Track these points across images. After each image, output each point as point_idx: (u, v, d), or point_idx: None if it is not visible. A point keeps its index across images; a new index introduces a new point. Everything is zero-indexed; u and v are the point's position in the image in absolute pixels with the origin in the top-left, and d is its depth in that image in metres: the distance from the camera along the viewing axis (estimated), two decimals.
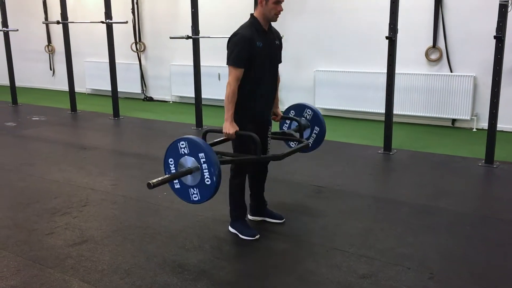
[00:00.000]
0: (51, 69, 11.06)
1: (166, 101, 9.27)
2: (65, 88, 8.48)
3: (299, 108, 3.78)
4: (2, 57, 8.98)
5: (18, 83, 9.27)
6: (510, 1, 4.47)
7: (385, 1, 5.16)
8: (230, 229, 3.35)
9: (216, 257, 3.04)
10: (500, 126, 5.36)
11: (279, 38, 3.32)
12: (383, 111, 5.43)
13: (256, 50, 3.06)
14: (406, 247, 3.11)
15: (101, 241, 3.25)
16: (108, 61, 7.49)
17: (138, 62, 9.42)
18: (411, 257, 2.97)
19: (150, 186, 2.69)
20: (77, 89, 8.44)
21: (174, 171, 2.87)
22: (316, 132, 3.74)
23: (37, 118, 7.70)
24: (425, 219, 3.55)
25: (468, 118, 6.38)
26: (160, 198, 4.00)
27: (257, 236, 3.25)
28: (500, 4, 4.50)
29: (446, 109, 6.49)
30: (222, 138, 3.26)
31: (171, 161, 2.88)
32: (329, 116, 7.48)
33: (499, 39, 4.56)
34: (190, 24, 6.44)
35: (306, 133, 3.75)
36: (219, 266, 2.92)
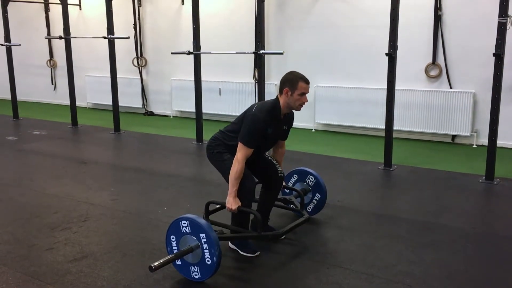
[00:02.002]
0: (52, 84, 11.12)
1: (167, 116, 9.30)
2: (66, 102, 8.52)
3: (302, 173, 3.91)
4: (4, 71, 9.04)
5: (19, 97, 9.31)
6: (509, 19, 4.52)
7: (385, 18, 5.21)
8: (230, 245, 3.34)
9: (216, 274, 3.02)
10: (500, 142, 5.38)
11: (289, 122, 3.42)
12: (383, 126, 5.45)
13: (264, 134, 3.17)
14: (407, 264, 3.09)
15: (101, 257, 3.23)
16: (109, 75, 7.54)
17: (139, 77, 9.47)
18: (412, 274, 2.96)
19: (152, 269, 2.70)
20: (78, 103, 8.48)
21: (176, 248, 2.91)
22: (317, 199, 3.86)
23: (38, 132, 7.71)
24: (426, 236, 3.54)
25: (468, 134, 6.39)
26: (160, 213, 3.99)
27: (257, 253, 3.24)
28: (499, 22, 4.55)
29: (446, 125, 6.51)
30: (222, 206, 3.32)
31: (173, 237, 2.93)
32: (329, 132, 7.51)
33: (498, 56, 4.59)
34: (192, 40, 6.49)
35: (307, 197, 3.86)
36: (219, 283, 2.90)
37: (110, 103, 7.69)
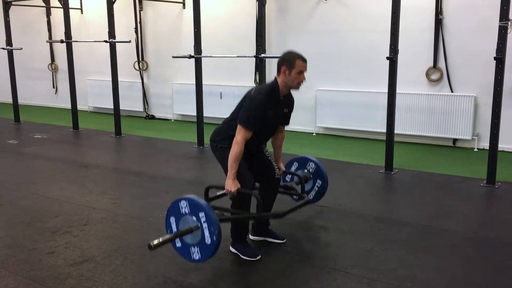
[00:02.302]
0: (54, 87, 11.14)
1: (168, 119, 9.31)
2: (68, 106, 8.53)
3: (302, 161, 3.89)
4: (5, 75, 9.05)
5: (21, 101, 9.34)
6: (510, 23, 4.52)
7: (386, 22, 5.22)
8: (231, 249, 3.33)
9: (216, 277, 3.02)
10: (502, 146, 5.38)
11: (290, 105, 3.40)
12: (384, 130, 5.45)
13: (266, 117, 3.15)
14: (408, 269, 3.09)
15: (102, 261, 3.23)
16: (110, 79, 7.55)
17: (140, 81, 9.48)
18: (413, 279, 2.95)
19: (151, 248, 2.71)
20: (80, 107, 8.49)
21: (175, 229, 2.91)
22: (318, 186, 3.85)
23: (39, 136, 7.72)
24: (427, 240, 3.54)
25: (469, 138, 6.39)
26: (161, 217, 3.98)
27: (258, 257, 3.23)
28: (500, 26, 4.55)
29: (447, 129, 6.51)
30: (223, 192, 3.30)
31: (172, 219, 2.93)
32: (330, 135, 7.51)
33: (499, 60, 4.59)
34: (193, 44, 6.51)
35: (309, 185, 3.84)
36: (219, 287, 2.90)
37: (111, 106, 7.70)
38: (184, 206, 2.85)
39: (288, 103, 3.38)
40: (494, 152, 4.81)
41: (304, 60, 3.17)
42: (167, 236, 2.82)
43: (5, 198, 4.61)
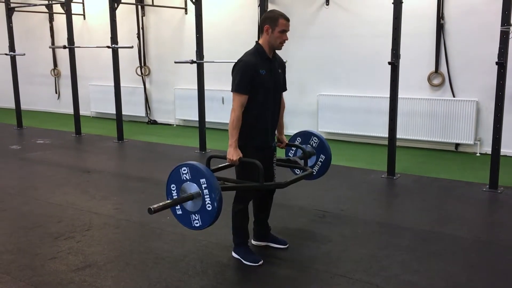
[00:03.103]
0: (56, 93, 11.17)
1: (170, 125, 9.32)
2: (70, 111, 8.56)
3: (306, 135, 3.81)
4: (8, 81, 9.08)
5: (23, 106, 9.36)
6: (511, 28, 4.52)
7: (388, 28, 5.23)
8: (233, 254, 3.33)
9: (219, 283, 3.02)
10: (504, 151, 5.36)
11: (282, 66, 3.35)
12: (386, 135, 5.44)
13: (259, 77, 3.09)
14: (411, 274, 3.08)
15: (104, 266, 3.23)
16: (113, 84, 7.57)
17: (142, 86, 9.50)
18: (416, 284, 2.94)
19: (151, 211, 2.69)
20: (82, 112, 8.51)
21: (176, 197, 2.88)
22: (322, 160, 3.77)
23: (41, 141, 7.74)
24: (430, 245, 3.53)
25: (472, 142, 6.38)
26: (163, 222, 3.99)
27: (261, 262, 3.23)
28: (501, 31, 4.55)
29: (449, 133, 6.50)
30: (225, 164, 3.27)
31: (173, 187, 2.90)
32: (333, 140, 7.50)
33: (501, 65, 4.60)
34: (195, 49, 6.52)
35: (312, 160, 3.77)
36: None
37: (114, 112, 7.72)
38: (185, 173, 2.83)
39: (279, 64, 3.32)
40: (496, 157, 4.80)
41: (287, 19, 3.13)
42: (168, 201, 2.80)
43: (7, 204, 4.62)
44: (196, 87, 6.74)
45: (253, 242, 3.52)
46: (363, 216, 4.18)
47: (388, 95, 5.27)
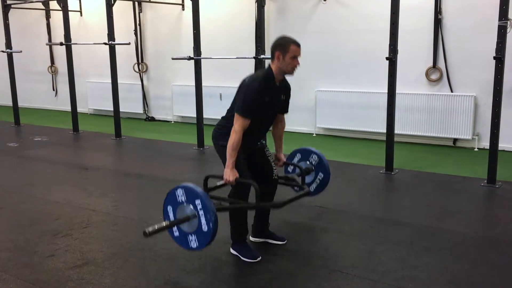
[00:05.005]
0: (53, 90, 11.14)
1: (168, 121, 9.31)
2: (68, 108, 8.53)
3: (305, 152, 3.86)
4: (5, 78, 9.06)
5: (21, 104, 9.34)
6: (509, 22, 4.51)
7: (385, 23, 5.22)
8: (232, 251, 3.33)
9: (217, 280, 3.02)
10: (502, 145, 5.37)
11: (287, 91, 3.39)
12: (384, 130, 5.44)
13: (262, 103, 3.14)
14: (409, 270, 3.08)
15: (102, 264, 3.23)
16: (110, 81, 7.55)
17: (140, 83, 9.48)
18: (414, 280, 2.94)
19: (146, 235, 2.71)
20: (79, 109, 8.49)
21: (173, 218, 2.91)
22: (320, 179, 3.81)
23: (39, 139, 7.72)
24: (428, 241, 3.53)
25: (469, 137, 6.38)
26: (161, 219, 3.97)
27: (259, 258, 3.23)
28: (499, 25, 4.55)
29: (447, 128, 6.50)
30: (222, 183, 3.29)
31: (169, 208, 2.93)
32: (330, 136, 7.50)
33: (499, 59, 4.59)
34: (192, 45, 6.50)
35: (310, 177, 3.80)
36: None
37: (111, 109, 7.70)
38: (180, 195, 2.87)
39: (284, 90, 3.36)
40: (494, 152, 4.80)
41: (298, 45, 3.17)
42: (163, 224, 2.83)
43: (5, 201, 4.60)
44: (193, 83, 6.72)
45: (251, 238, 3.52)
46: (361, 211, 4.18)
47: (386, 91, 5.26)
